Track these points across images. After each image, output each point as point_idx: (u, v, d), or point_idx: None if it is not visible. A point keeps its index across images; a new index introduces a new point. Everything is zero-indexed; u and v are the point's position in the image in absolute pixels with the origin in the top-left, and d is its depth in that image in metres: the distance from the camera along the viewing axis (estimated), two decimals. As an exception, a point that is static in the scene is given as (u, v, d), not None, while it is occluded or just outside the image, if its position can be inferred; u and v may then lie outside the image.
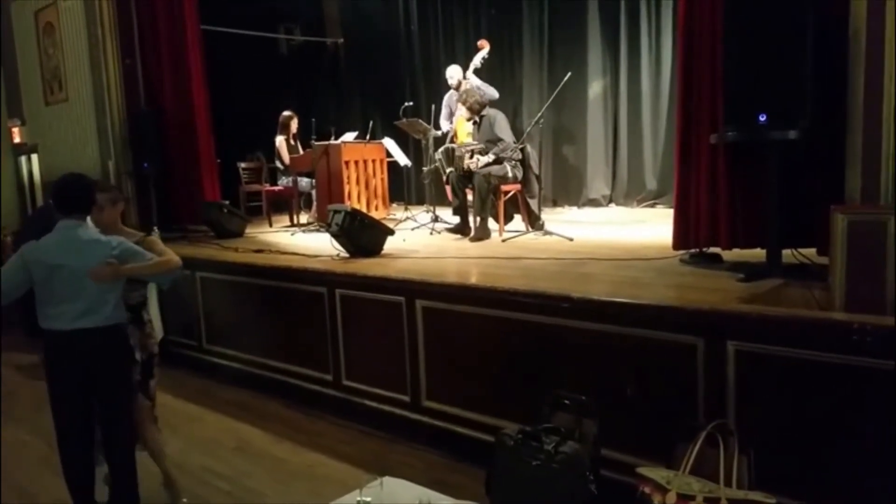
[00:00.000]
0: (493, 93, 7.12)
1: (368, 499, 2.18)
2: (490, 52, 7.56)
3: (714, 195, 4.00)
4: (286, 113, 8.26)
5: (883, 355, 2.69)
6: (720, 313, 3.13)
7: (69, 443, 3.21)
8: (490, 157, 6.07)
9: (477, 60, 7.43)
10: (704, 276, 3.93)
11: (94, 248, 3.10)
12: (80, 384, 3.16)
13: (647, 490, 2.65)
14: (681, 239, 4.26)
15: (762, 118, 3.52)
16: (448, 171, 6.40)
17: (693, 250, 4.27)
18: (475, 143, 6.28)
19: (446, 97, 7.76)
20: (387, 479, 2.34)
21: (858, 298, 2.92)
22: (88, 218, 3.28)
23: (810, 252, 3.75)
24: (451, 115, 7.60)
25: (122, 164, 7.77)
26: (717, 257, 4.20)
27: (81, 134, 8.21)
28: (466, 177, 6.14)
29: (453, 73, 7.55)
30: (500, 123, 6.31)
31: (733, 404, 3.05)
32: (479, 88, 7.09)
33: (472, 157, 6.14)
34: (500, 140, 6.14)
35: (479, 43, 7.59)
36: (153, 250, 3.36)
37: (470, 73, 7.45)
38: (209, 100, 7.69)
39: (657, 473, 2.66)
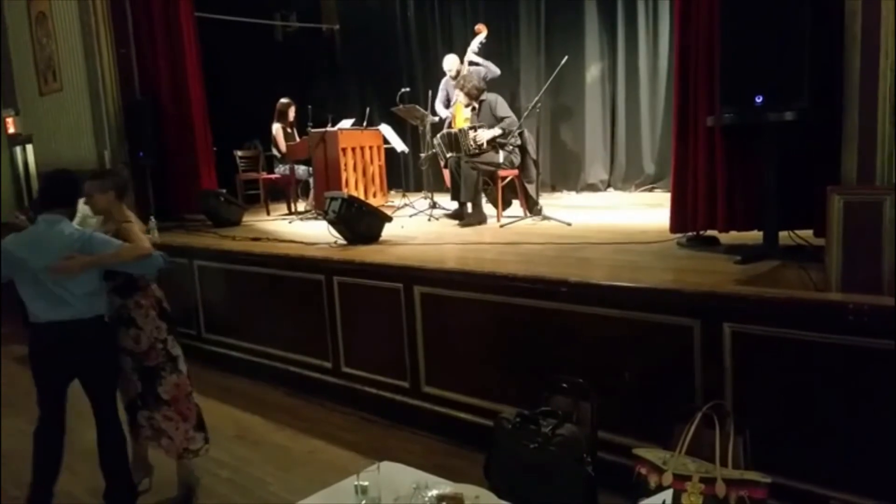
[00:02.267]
0: (495, 69, 7.08)
1: (366, 483, 2.19)
2: (487, 37, 7.51)
3: (711, 178, 3.99)
4: (283, 100, 8.21)
5: (879, 335, 2.70)
6: (717, 295, 3.14)
7: (43, 432, 3.32)
8: (497, 131, 6.05)
9: (475, 45, 7.38)
10: (701, 259, 3.93)
11: (56, 243, 3.13)
12: (57, 376, 3.24)
13: (643, 471, 2.66)
14: (678, 222, 4.26)
15: (759, 100, 3.50)
16: (448, 156, 6.38)
17: (690, 233, 4.27)
18: (479, 123, 6.25)
19: (443, 82, 7.71)
20: (384, 464, 2.36)
21: (855, 279, 2.92)
22: (82, 207, 3.31)
23: (807, 234, 3.75)
24: (447, 100, 7.56)
25: (118, 153, 7.75)
26: (714, 240, 4.21)
27: (76, 124, 8.18)
28: (475, 155, 6.11)
29: (451, 64, 7.46)
30: (501, 105, 6.31)
31: (730, 385, 3.06)
32: (480, 67, 7.03)
33: (475, 130, 6.10)
34: (504, 118, 6.14)
35: (476, 27, 7.54)
36: (127, 238, 3.38)
37: (468, 58, 7.40)
38: (205, 88, 7.66)
39: (654, 455, 2.67)
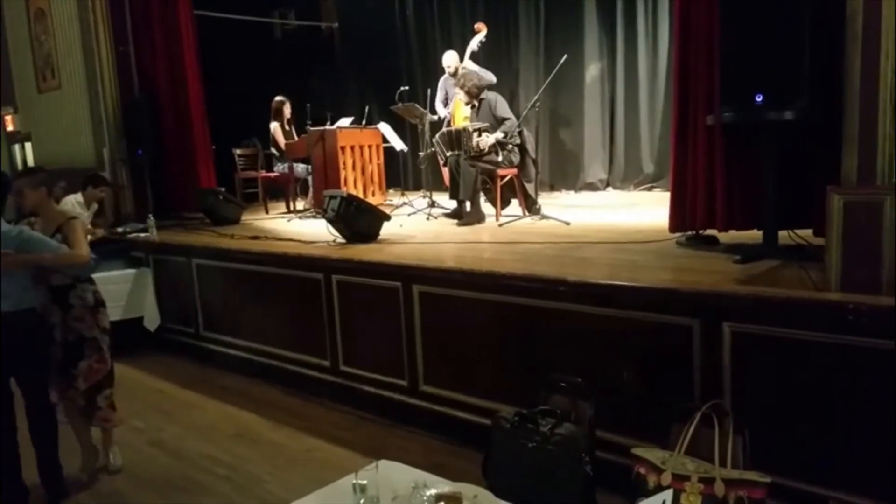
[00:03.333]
0: (491, 77, 7.08)
1: (364, 482, 2.18)
2: (487, 36, 7.50)
3: (710, 177, 3.98)
4: (278, 98, 8.19)
5: (878, 335, 2.69)
6: (716, 295, 3.13)
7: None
8: (500, 135, 6.04)
9: (474, 44, 7.37)
10: (701, 258, 3.92)
11: None
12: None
13: (642, 471, 2.66)
14: (677, 221, 4.25)
15: (759, 98, 3.49)
16: (448, 154, 6.37)
17: (689, 233, 4.27)
18: (481, 123, 6.24)
19: (442, 81, 7.70)
20: (382, 462, 2.35)
21: (854, 279, 2.92)
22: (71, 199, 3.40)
23: (807, 233, 3.74)
24: (446, 98, 7.55)
25: (117, 151, 7.74)
26: (713, 239, 4.20)
27: (75, 121, 8.16)
28: (475, 157, 6.10)
29: (450, 60, 7.44)
30: (501, 104, 6.30)
31: (729, 385, 3.05)
32: (476, 73, 7.04)
33: (479, 135, 6.08)
34: (505, 119, 6.13)
35: (476, 26, 7.51)
36: (68, 238, 3.52)
37: (467, 58, 7.39)
38: (204, 86, 7.65)
39: (652, 454, 2.67)
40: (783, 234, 3.78)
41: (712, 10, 3.80)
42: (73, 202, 6.03)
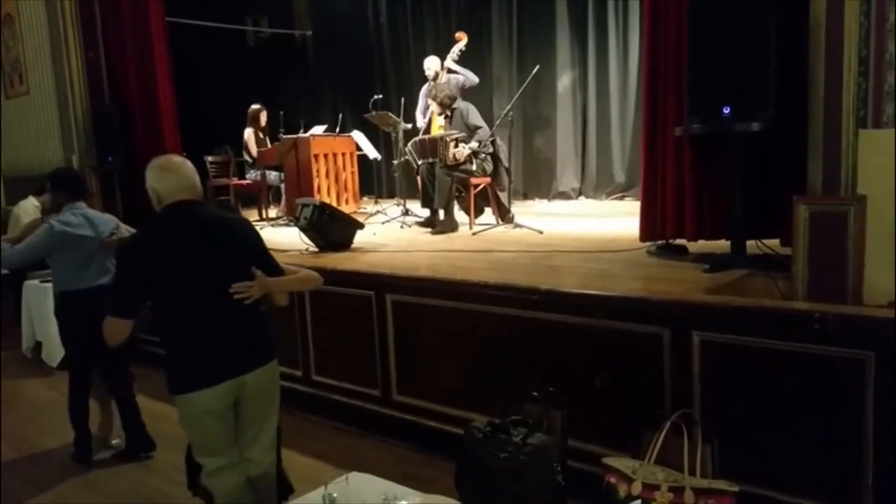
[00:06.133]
0: (474, 78, 7.09)
1: (335, 494, 2.17)
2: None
3: (679, 187, 4.03)
4: (255, 105, 8.16)
5: (844, 343, 2.74)
6: (685, 304, 3.16)
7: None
8: (475, 144, 6.06)
9: (454, 53, 7.36)
10: (670, 268, 3.96)
11: None
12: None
13: (612, 480, 2.67)
14: (647, 231, 4.29)
15: (726, 110, 3.54)
16: (420, 162, 6.37)
17: (660, 242, 4.31)
18: (457, 132, 6.25)
19: (423, 90, 7.71)
20: (353, 475, 2.33)
21: (820, 288, 2.97)
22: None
23: (774, 243, 3.79)
24: (427, 108, 7.55)
25: (87, 158, 7.62)
26: (682, 249, 4.24)
27: (44, 128, 8.04)
28: (452, 167, 6.09)
29: (431, 63, 7.44)
30: (473, 113, 6.32)
31: (698, 393, 3.08)
32: (459, 75, 7.05)
33: (456, 145, 6.09)
34: (478, 128, 6.15)
35: (456, 35, 7.50)
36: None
37: (447, 65, 7.39)
38: (175, 93, 7.56)
39: (623, 463, 2.68)
40: (751, 244, 3.83)
41: (681, 24, 3.86)
42: (31, 205, 6.04)
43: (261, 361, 2.75)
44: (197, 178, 2.78)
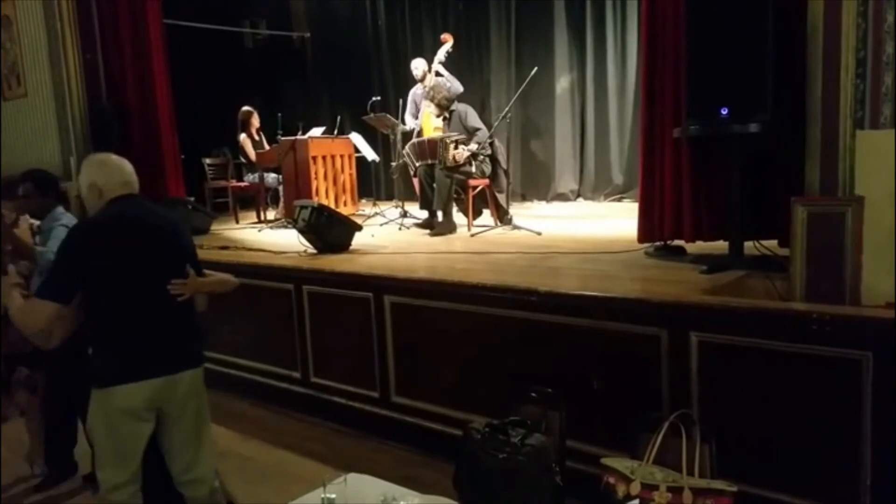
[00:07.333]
0: (458, 86, 7.10)
1: (333, 496, 2.16)
2: (458, 47, 7.52)
3: (677, 188, 4.04)
4: (245, 109, 8.10)
5: (842, 344, 2.75)
6: (683, 305, 3.17)
7: None
8: (474, 146, 6.06)
9: (441, 54, 7.37)
10: (668, 269, 3.97)
11: None
12: None
13: (611, 481, 2.67)
14: (645, 232, 4.30)
15: (724, 112, 3.55)
16: (418, 164, 6.37)
17: (658, 243, 4.31)
18: (456, 133, 6.24)
19: (411, 93, 7.72)
20: (351, 476, 2.33)
21: (818, 288, 2.98)
22: None
23: (772, 244, 3.80)
24: (416, 110, 7.55)
25: (84, 159, 7.60)
26: (680, 250, 4.25)
27: (42, 130, 8.02)
28: (451, 168, 6.09)
29: (418, 64, 7.50)
30: (472, 115, 6.33)
31: (696, 394, 3.09)
32: (445, 81, 7.05)
33: (456, 147, 6.08)
34: (477, 130, 6.15)
35: (442, 37, 7.51)
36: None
37: (434, 67, 7.41)
38: (173, 95, 7.56)
39: (621, 464, 2.69)
40: (749, 245, 3.84)
41: (678, 26, 3.87)
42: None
43: (191, 364, 2.73)
44: (135, 175, 2.84)
